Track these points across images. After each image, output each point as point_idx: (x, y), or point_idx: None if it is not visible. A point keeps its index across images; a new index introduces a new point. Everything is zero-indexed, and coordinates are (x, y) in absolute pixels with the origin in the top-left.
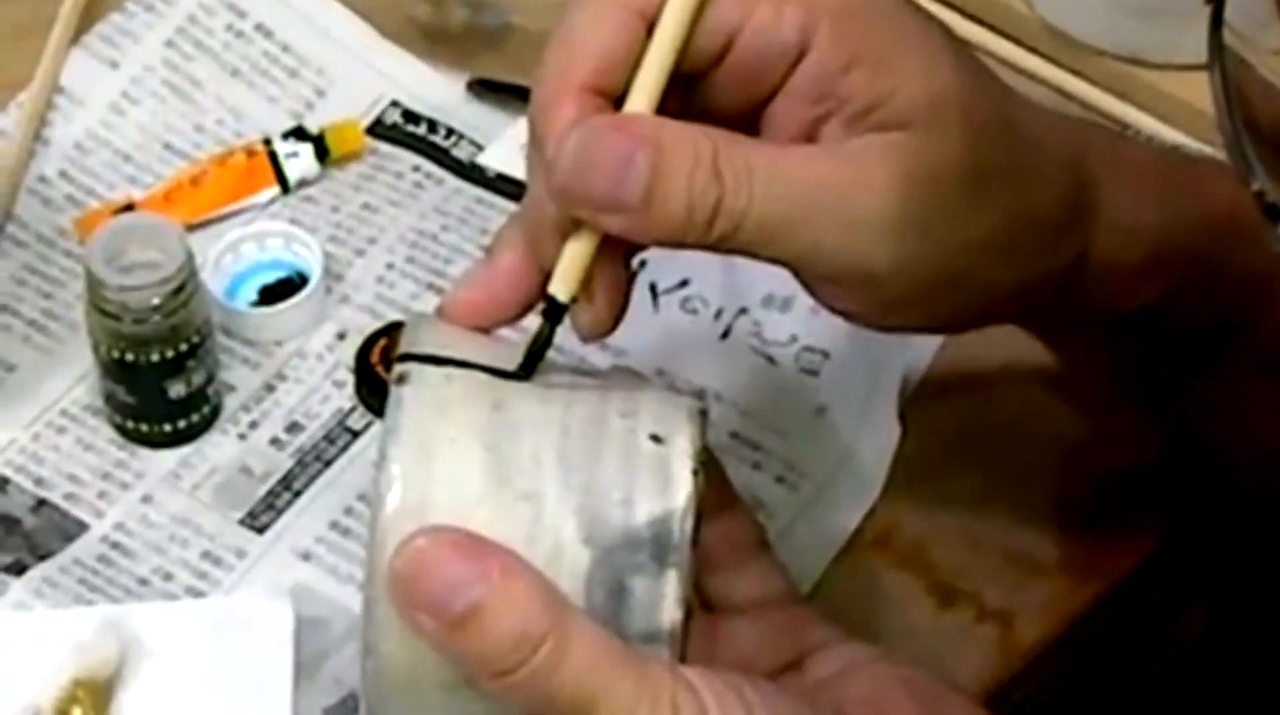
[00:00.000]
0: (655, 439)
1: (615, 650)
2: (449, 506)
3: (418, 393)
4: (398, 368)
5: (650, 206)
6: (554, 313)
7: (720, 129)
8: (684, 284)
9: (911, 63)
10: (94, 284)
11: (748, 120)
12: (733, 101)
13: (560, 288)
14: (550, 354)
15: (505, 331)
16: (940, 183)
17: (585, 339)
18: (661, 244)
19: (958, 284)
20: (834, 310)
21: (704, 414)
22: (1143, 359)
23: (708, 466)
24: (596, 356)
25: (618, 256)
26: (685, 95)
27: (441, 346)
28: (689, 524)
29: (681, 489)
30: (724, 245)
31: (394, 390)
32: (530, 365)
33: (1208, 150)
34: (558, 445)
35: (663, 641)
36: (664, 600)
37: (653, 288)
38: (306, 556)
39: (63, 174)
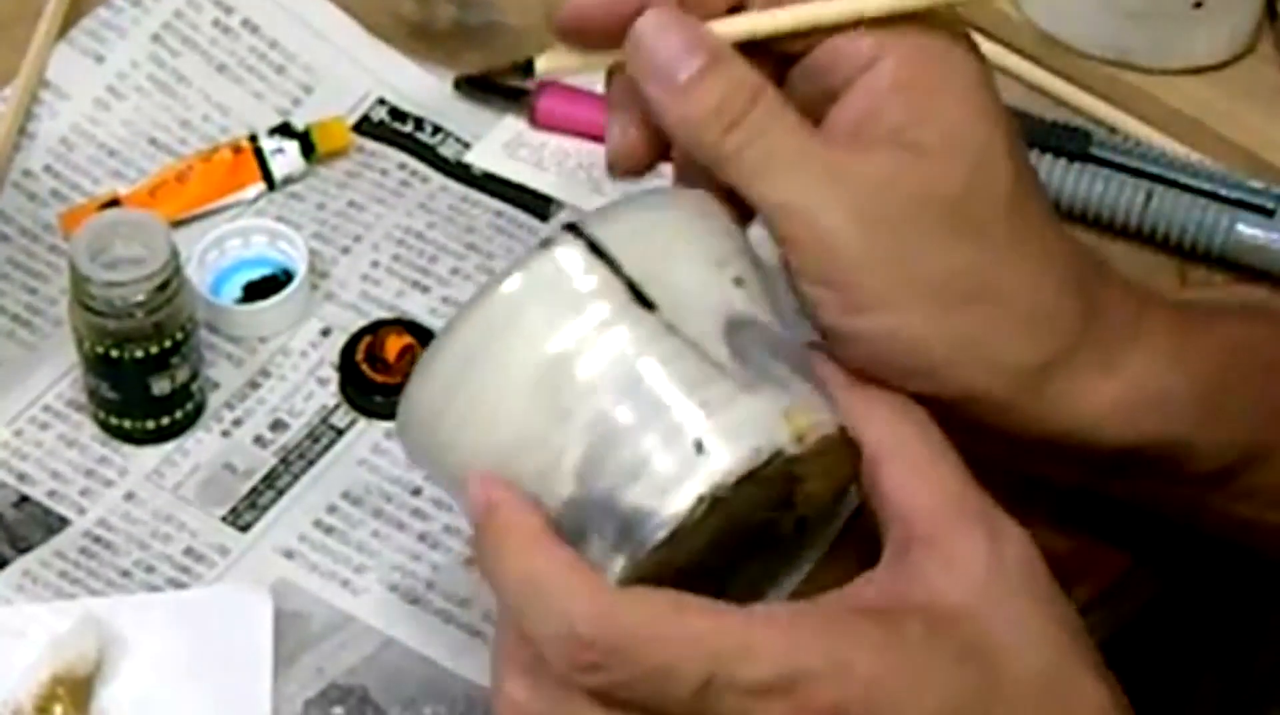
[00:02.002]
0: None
1: None
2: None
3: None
4: None
5: (689, 90)
6: None
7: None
8: None
9: (952, 108)
10: (78, 279)
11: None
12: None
13: None
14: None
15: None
16: (927, 207)
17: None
18: (683, 136)
19: (909, 304)
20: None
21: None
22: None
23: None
24: None
25: None
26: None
27: None
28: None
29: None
30: (732, 161)
31: None
32: None
33: (1194, 156)
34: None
35: None
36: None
37: None
38: (289, 554)
39: (47, 168)
